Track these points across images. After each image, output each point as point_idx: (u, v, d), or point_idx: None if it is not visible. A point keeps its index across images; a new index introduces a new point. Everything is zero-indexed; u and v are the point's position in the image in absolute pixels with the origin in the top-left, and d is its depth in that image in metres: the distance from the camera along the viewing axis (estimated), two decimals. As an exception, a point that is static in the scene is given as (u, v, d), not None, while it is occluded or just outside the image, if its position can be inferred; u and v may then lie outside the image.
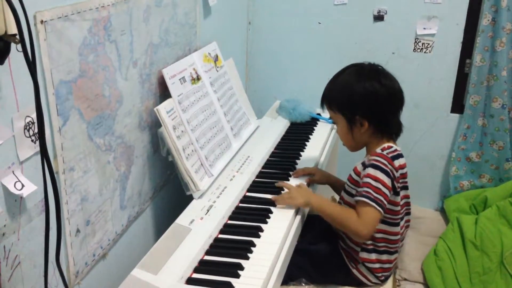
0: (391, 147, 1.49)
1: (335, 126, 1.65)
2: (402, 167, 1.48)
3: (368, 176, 1.42)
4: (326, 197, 2.51)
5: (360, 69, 1.52)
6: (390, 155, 1.46)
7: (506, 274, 2.03)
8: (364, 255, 1.54)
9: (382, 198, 1.40)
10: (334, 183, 1.79)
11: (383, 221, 1.47)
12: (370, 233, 1.43)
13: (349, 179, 1.55)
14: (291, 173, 1.75)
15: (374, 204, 1.39)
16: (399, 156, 1.49)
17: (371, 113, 1.47)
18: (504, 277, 2.04)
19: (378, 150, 1.48)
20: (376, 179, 1.41)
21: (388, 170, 1.42)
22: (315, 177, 1.75)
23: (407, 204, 1.56)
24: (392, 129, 1.52)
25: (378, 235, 1.50)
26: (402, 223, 1.54)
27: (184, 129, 1.61)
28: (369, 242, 1.52)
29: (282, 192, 1.59)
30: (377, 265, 1.54)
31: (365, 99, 1.46)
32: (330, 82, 1.57)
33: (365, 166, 1.46)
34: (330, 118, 1.60)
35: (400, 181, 1.48)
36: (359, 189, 1.44)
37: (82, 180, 1.27)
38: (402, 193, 1.50)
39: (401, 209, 1.51)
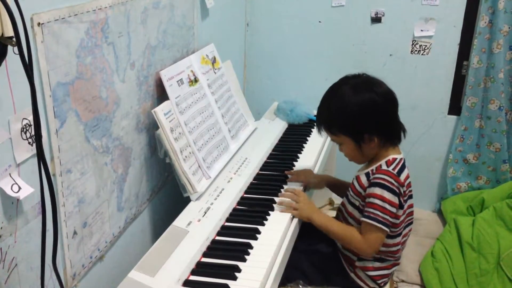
0: (396, 159, 1.46)
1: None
2: (407, 178, 1.46)
3: (375, 196, 1.40)
4: (324, 197, 2.53)
5: (351, 86, 1.45)
6: (396, 169, 1.43)
7: (503, 275, 2.04)
8: (360, 263, 1.54)
9: (388, 217, 1.40)
10: (332, 184, 1.78)
11: None
12: (375, 252, 1.46)
13: (352, 189, 1.52)
14: (287, 173, 1.75)
15: (381, 225, 1.39)
16: (404, 167, 1.46)
17: (378, 127, 1.43)
18: (501, 278, 2.04)
19: (384, 166, 1.44)
20: (383, 199, 1.39)
21: (395, 188, 1.40)
22: (311, 184, 1.74)
23: (411, 213, 1.53)
24: (399, 133, 1.49)
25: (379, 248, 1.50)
26: (404, 232, 1.53)
27: (181, 131, 1.61)
28: None
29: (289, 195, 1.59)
30: (374, 273, 1.54)
31: (369, 117, 1.42)
32: (324, 107, 1.51)
33: (370, 181, 1.44)
34: (332, 140, 1.55)
35: (406, 193, 1.46)
36: (366, 209, 1.42)
37: (79, 182, 1.27)
38: (408, 202, 1.49)
39: (403, 220, 1.49)
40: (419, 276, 2.24)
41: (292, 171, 1.78)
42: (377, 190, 1.40)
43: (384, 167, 1.45)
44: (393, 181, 1.40)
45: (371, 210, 1.40)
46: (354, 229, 1.46)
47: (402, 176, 1.44)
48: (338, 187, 1.76)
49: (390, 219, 1.40)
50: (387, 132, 1.46)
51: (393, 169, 1.43)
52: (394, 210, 1.41)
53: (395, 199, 1.40)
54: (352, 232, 1.46)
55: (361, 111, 1.42)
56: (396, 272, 2.24)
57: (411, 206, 1.52)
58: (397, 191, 1.41)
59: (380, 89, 1.45)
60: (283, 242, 1.41)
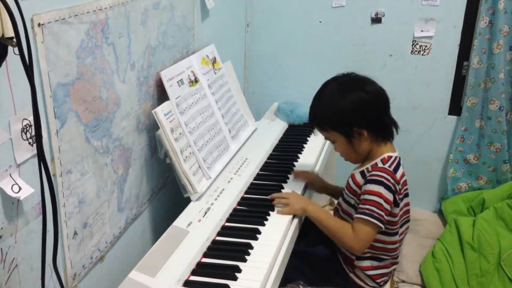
0: (391, 157, 1.47)
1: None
2: (403, 176, 1.47)
3: (371, 193, 1.41)
4: (324, 198, 2.53)
5: (340, 83, 1.50)
6: (392, 167, 1.44)
7: (503, 275, 2.03)
8: (359, 263, 1.54)
9: (383, 214, 1.40)
10: (333, 193, 1.79)
11: (381, 232, 1.46)
12: (364, 249, 1.46)
13: (347, 187, 1.53)
14: (289, 176, 1.75)
15: (375, 221, 1.39)
16: (399, 165, 1.47)
17: (367, 121, 1.45)
18: (501, 279, 2.04)
19: (380, 164, 1.46)
20: (379, 195, 1.40)
21: (391, 185, 1.41)
22: (315, 186, 1.75)
23: (407, 212, 1.54)
24: (390, 129, 1.51)
25: (376, 244, 1.50)
26: (401, 230, 1.53)
27: (182, 132, 1.61)
28: (366, 250, 1.51)
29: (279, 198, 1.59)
30: (373, 272, 1.54)
31: (357, 111, 1.44)
32: (314, 104, 1.54)
33: (365, 178, 1.45)
34: (326, 138, 1.58)
35: (402, 191, 1.47)
36: (361, 205, 1.42)
37: (79, 183, 1.27)
38: (404, 201, 1.49)
39: (400, 218, 1.49)
40: (419, 276, 2.24)
41: (299, 170, 1.78)
42: (374, 187, 1.41)
43: (380, 164, 1.46)
44: (389, 178, 1.41)
45: (367, 206, 1.40)
46: (349, 225, 1.46)
47: (398, 174, 1.45)
48: (338, 196, 1.76)
49: (385, 216, 1.41)
50: (376, 126, 1.47)
51: (389, 166, 1.44)
52: (389, 207, 1.41)
53: (390, 196, 1.41)
54: (345, 227, 1.45)
55: (348, 106, 1.45)
56: (396, 272, 2.24)
57: (407, 204, 1.53)
58: (393, 188, 1.41)
59: (368, 86, 1.48)
60: (283, 242, 1.41)
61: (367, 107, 1.45)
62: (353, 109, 1.44)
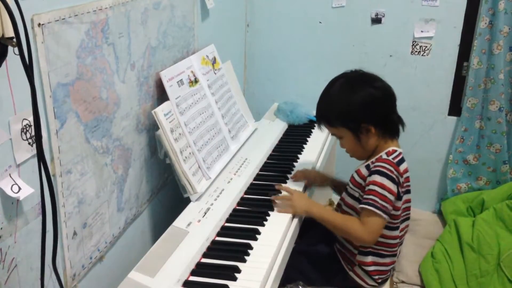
0: (395, 150, 1.48)
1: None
2: (406, 171, 1.48)
3: (375, 183, 1.41)
4: (324, 198, 2.53)
5: (348, 79, 1.51)
6: (396, 160, 1.45)
7: (503, 276, 2.04)
8: (361, 257, 1.54)
9: (387, 205, 1.40)
10: (335, 184, 1.79)
11: None
12: (375, 240, 1.45)
13: (352, 181, 1.54)
14: (289, 176, 1.75)
15: (380, 212, 1.39)
16: (403, 160, 1.49)
17: (375, 117, 1.46)
18: (501, 279, 2.04)
19: (384, 156, 1.47)
20: (382, 186, 1.40)
21: (394, 176, 1.42)
22: (316, 181, 1.75)
23: (408, 208, 1.55)
24: (397, 125, 1.52)
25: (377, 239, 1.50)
26: (401, 226, 1.54)
27: (181, 132, 1.61)
28: (367, 245, 1.52)
29: (281, 194, 1.59)
30: (372, 268, 1.54)
31: (366, 107, 1.45)
32: (323, 101, 1.54)
33: (370, 170, 1.46)
34: (333, 134, 1.58)
35: (405, 185, 1.48)
36: (365, 196, 1.43)
37: (79, 183, 1.27)
38: (405, 196, 1.50)
39: (401, 213, 1.50)
40: (419, 276, 2.24)
41: (297, 171, 1.78)
42: (377, 178, 1.41)
43: (384, 156, 1.47)
44: (392, 169, 1.42)
45: (370, 196, 1.41)
46: (354, 218, 1.46)
47: (402, 167, 1.46)
48: (340, 188, 1.77)
49: (389, 208, 1.41)
50: (384, 123, 1.48)
51: (393, 159, 1.45)
52: (392, 198, 1.41)
53: (394, 188, 1.41)
54: (352, 220, 1.46)
55: (358, 101, 1.46)
56: (396, 272, 2.25)
57: (408, 201, 1.53)
58: (396, 180, 1.42)
59: (377, 82, 1.49)
60: (283, 243, 1.41)
61: (377, 103, 1.46)
62: (363, 104, 1.45)
